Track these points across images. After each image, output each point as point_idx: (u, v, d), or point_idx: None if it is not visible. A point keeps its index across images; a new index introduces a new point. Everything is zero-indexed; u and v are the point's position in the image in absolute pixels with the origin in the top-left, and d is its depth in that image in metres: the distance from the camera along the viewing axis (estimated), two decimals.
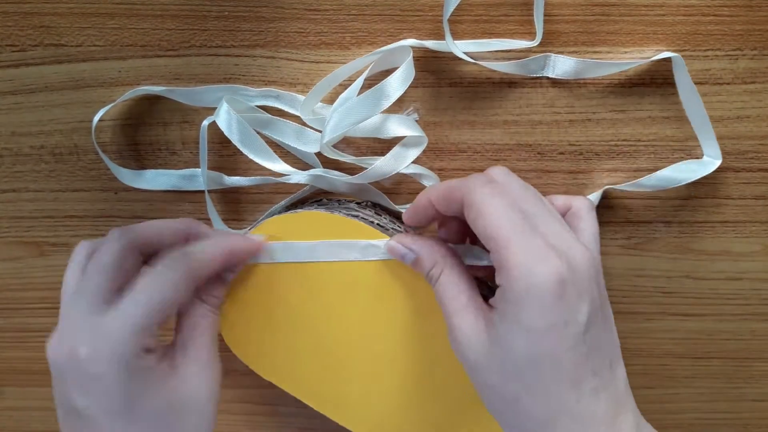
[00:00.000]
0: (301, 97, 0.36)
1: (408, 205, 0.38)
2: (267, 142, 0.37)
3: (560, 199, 0.34)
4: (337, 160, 0.37)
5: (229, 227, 0.39)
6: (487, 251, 0.29)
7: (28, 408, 0.45)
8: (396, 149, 0.36)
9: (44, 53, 0.36)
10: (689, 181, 0.37)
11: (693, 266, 0.40)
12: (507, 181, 0.30)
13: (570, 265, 0.27)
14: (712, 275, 0.40)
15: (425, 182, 0.37)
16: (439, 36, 0.35)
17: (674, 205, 0.39)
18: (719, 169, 0.37)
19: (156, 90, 0.36)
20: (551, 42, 0.35)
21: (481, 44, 0.35)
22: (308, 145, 0.37)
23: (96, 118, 0.36)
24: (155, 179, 0.38)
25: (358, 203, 0.37)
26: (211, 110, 0.37)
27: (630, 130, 0.37)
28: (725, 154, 0.37)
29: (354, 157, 0.37)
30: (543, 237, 0.27)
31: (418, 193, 0.38)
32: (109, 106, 0.37)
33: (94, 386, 0.28)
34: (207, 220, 0.38)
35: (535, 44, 0.35)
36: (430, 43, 0.35)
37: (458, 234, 0.33)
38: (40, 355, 0.43)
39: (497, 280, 0.28)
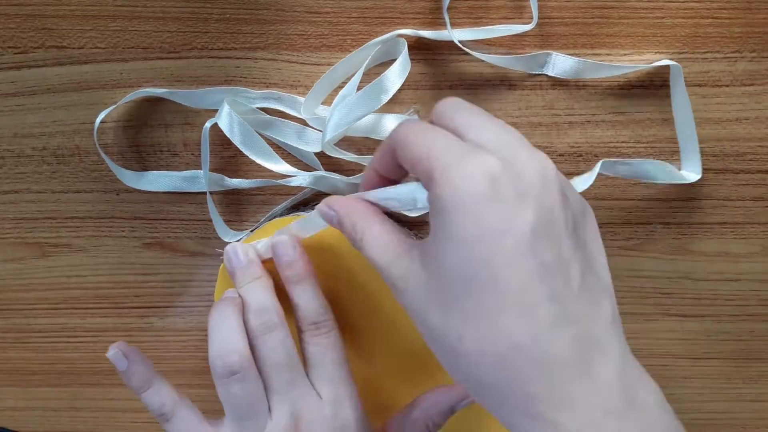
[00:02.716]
0: (302, 99, 0.36)
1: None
2: (268, 143, 0.37)
3: None
4: (338, 161, 0.37)
5: (231, 228, 0.39)
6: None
7: (29, 408, 0.45)
8: None
9: (46, 55, 0.36)
10: (664, 182, 0.37)
11: (692, 267, 0.40)
12: (441, 109, 0.26)
13: (507, 164, 0.23)
14: (711, 276, 0.40)
15: None
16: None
17: (673, 207, 0.39)
18: (718, 171, 0.38)
19: (158, 92, 0.36)
20: (550, 44, 0.36)
21: (479, 32, 0.35)
22: (310, 144, 0.37)
23: (98, 120, 0.37)
24: (157, 180, 0.38)
25: None
26: (213, 112, 0.37)
27: (629, 132, 0.37)
28: (724, 156, 0.37)
29: (356, 156, 0.37)
30: (475, 143, 0.24)
31: None
32: (111, 107, 0.37)
33: None
34: (208, 222, 0.39)
35: (532, 27, 0.35)
36: (428, 33, 0.35)
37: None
38: (40, 355, 0.43)
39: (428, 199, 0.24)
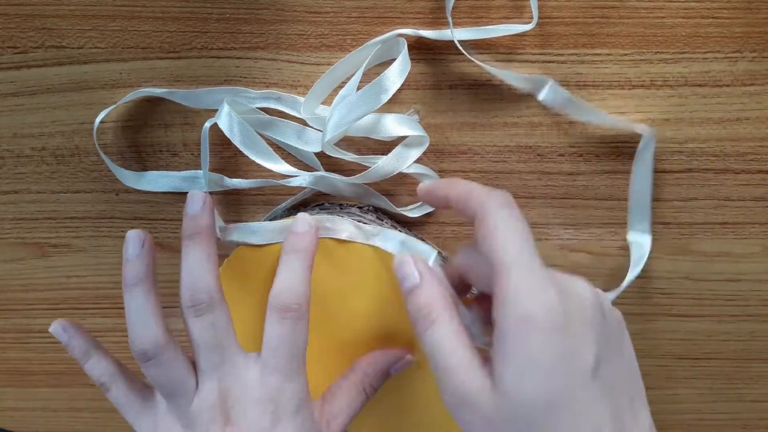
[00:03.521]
0: (302, 99, 0.36)
1: (410, 207, 0.39)
2: (268, 143, 0.37)
3: None
4: (338, 161, 0.37)
5: None
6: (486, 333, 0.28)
7: (29, 408, 0.45)
8: (398, 149, 0.36)
9: (46, 55, 0.36)
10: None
11: (692, 267, 0.40)
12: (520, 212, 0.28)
13: (570, 296, 0.26)
14: (712, 276, 0.40)
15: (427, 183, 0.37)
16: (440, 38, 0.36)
17: (674, 207, 0.39)
18: (719, 171, 0.38)
19: (157, 92, 0.36)
20: (551, 44, 0.36)
21: (479, 31, 0.35)
22: (310, 144, 0.37)
23: (97, 120, 0.36)
24: (156, 181, 0.38)
25: (359, 207, 0.37)
26: (213, 112, 0.37)
27: (630, 132, 0.37)
28: (725, 155, 0.37)
29: (356, 156, 0.37)
30: (545, 270, 0.26)
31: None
32: (111, 107, 0.37)
33: None
34: None
35: (532, 27, 0.35)
36: (428, 33, 0.35)
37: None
38: (40, 356, 0.43)
39: (493, 315, 0.25)
